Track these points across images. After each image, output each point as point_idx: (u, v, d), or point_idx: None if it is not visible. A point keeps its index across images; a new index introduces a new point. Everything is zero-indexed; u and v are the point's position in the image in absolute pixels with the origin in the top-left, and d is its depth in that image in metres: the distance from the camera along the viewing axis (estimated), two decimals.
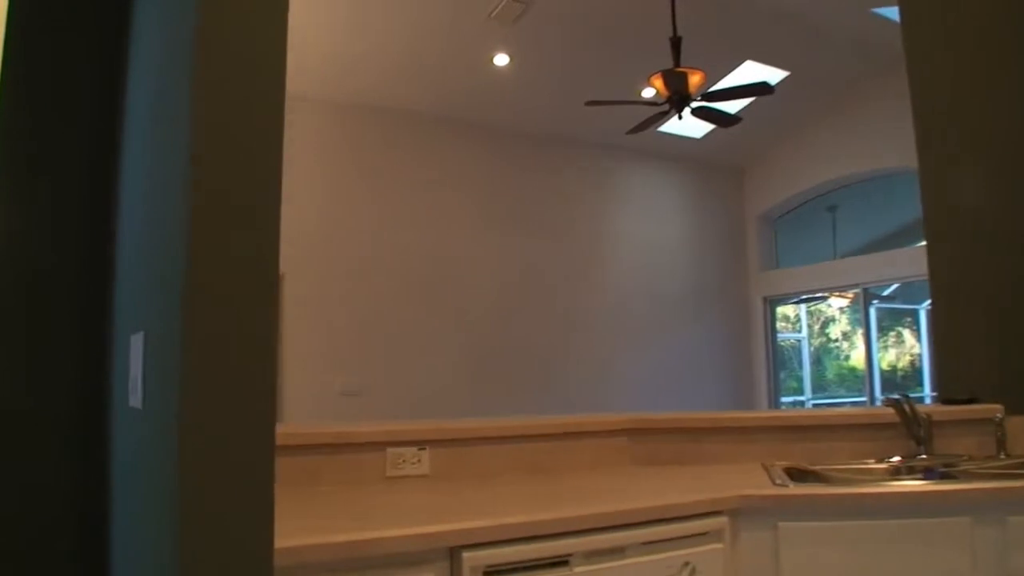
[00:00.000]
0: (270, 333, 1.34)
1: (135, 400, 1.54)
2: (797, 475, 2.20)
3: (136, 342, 1.55)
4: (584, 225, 8.10)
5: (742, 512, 1.94)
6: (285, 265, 5.64)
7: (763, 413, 2.96)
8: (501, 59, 6.67)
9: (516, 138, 7.69)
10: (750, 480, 2.20)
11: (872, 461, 2.51)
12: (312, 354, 6.46)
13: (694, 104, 5.71)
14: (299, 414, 6.32)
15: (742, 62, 7.25)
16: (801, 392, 10.15)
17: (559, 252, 7.87)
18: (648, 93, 6.57)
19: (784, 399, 9.67)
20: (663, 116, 5.80)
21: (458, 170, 7.36)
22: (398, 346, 6.82)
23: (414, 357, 6.90)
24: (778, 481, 2.07)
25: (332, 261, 6.61)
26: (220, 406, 1.28)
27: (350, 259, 6.70)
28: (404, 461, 2.27)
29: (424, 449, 2.30)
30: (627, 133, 6.27)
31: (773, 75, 7.28)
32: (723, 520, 1.91)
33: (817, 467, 2.31)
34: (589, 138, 7.97)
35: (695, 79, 5.52)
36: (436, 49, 6.39)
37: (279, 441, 2.18)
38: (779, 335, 9.78)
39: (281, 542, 1.48)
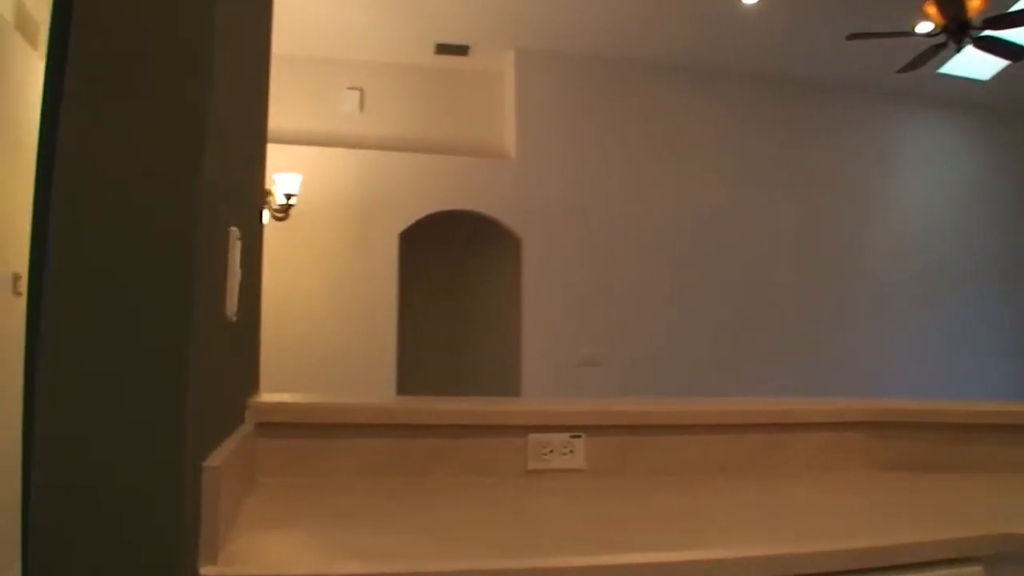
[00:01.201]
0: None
1: None
2: None
3: None
4: (843, 181, 7.08)
5: (1006, 559, 1.26)
6: (522, 230, 5.32)
7: None
8: None
9: (766, 85, 6.83)
10: None
11: None
12: (551, 323, 6.11)
13: (975, 34, 4.68)
14: (537, 387, 6.01)
15: None
16: None
17: (813, 212, 6.92)
18: (923, 30, 5.51)
19: None
20: (939, 50, 4.80)
21: (700, 123, 6.66)
22: (641, 314, 6.30)
23: (657, 326, 6.34)
24: None
25: (571, 223, 6.20)
26: None
27: (590, 220, 6.25)
28: (551, 451, 1.78)
29: (579, 437, 1.80)
30: (899, 71, 5.28)
31: None
32: (976, 571, 1.25)
33: None
34: (852, 82, 6.93)
35: (975, 2, 4.51)
36: None
37: (393, 419, 1.78)
38: None
39: (327, 565, 1.06)
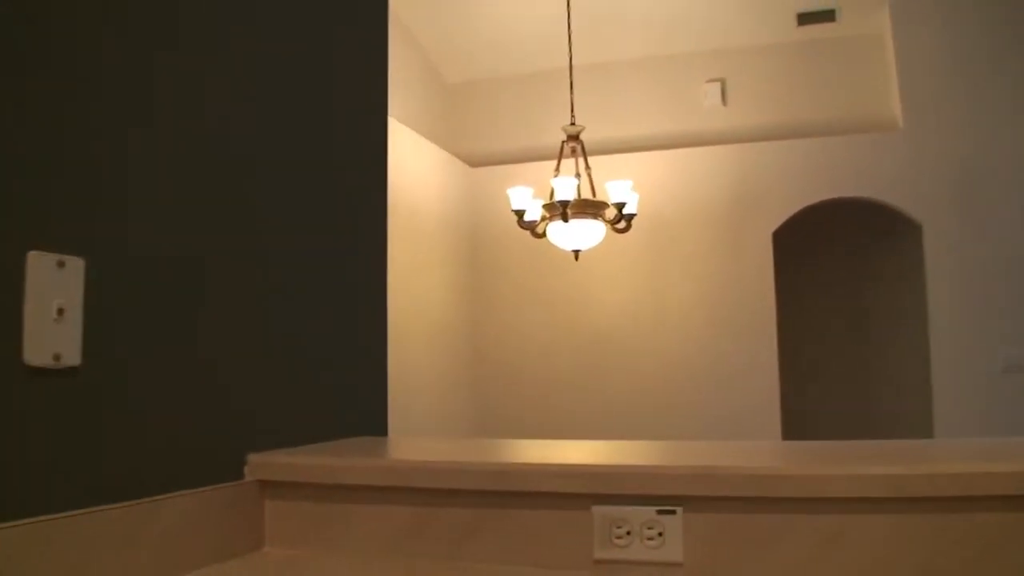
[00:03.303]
0: None
1: None
2: None
3: None
4: None
5: None
6: (920, 214, 4.29)
7: None
8: None
9: None
10: None
11: None
12: (963, 322, 4.81)
13: None
14: (949, 401, 4.77)
15: None
16: None
17: None
18: None
19: None
20: None
21: None
22: None
23: None
24: None
25: (982, 200, 4.82)
26: None
27: (1006, 193, 4.80)
28: (630, 533, 1.14)
29: (673, 513, 1.13)
30: None
31: None
32: None
33: None
34: None
35: None
36: None
37: (405, 481, 1.27)
38: None
39: None
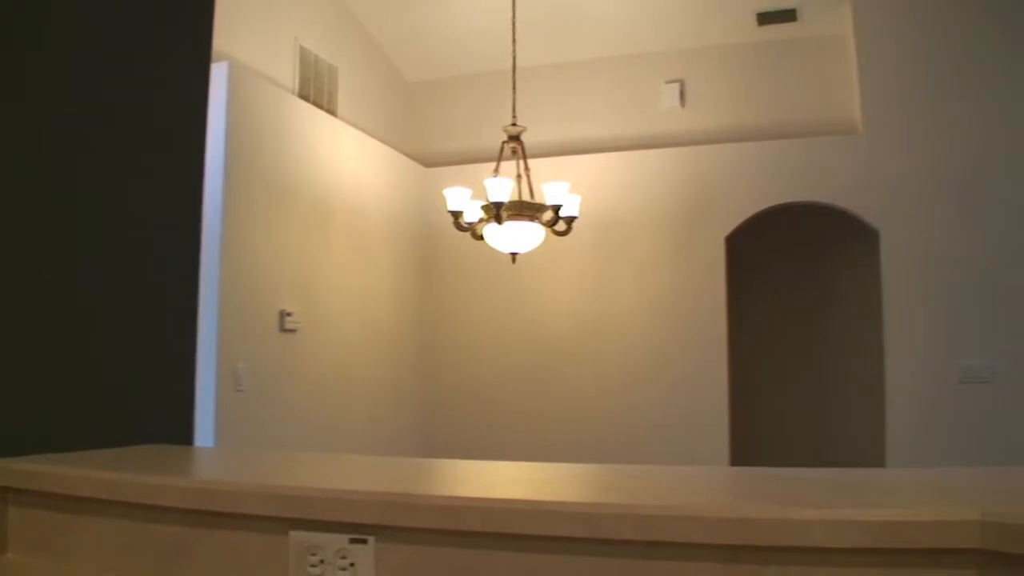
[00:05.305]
0: None
1: None
2: None
3: None
4: None
5: None
6: (878, 219, 4.43)
7: None
8: None
9: None
10: None
11: None
12: (921, 331, 4.68)
13: None
14: (905, 412, 4.68)
15: None
16: None
17: None
18: None
19: None
20: None
21: None
22: None
23: None
24: None
25: (942, 206, 4.71)
26: None
27: (968, 200, 4.67)
28: (323, 561, 1.10)
29: (364, 543, 1.08)
30: None
31: None
32: None
33: None
34: None
35: None
36: None
37: (104, 495, 1.23)
38: None
39: None
